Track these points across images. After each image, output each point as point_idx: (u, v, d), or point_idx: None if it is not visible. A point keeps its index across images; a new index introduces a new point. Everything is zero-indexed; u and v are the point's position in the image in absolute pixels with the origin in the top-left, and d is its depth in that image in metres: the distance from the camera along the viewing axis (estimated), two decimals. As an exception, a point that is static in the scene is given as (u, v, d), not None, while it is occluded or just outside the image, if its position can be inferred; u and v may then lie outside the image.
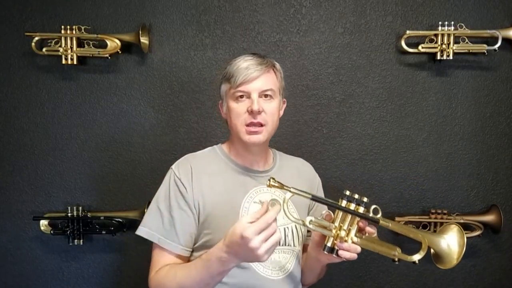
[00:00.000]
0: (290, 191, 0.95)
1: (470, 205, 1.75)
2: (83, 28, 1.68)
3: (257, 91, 1.07)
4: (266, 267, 1.07)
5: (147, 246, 1.74)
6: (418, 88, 1.73)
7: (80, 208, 1.71)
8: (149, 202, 1.66)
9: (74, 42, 1.66)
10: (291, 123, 1.73)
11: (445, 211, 1.69)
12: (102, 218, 1.70)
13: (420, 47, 1.67)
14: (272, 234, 0.87)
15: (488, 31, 1.66)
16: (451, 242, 1.04)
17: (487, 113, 1.73)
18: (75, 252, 1.77)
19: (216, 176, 1.11)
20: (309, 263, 1.16)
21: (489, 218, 1.69)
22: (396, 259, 1.00)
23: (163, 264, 1.07)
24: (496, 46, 1.64)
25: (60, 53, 1.66)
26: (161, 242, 1.07)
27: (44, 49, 1.67)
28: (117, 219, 1.70)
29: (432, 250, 1.04)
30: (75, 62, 1.67)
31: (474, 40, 1.68)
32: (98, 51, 1.67)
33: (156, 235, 1.07)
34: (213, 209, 1.07)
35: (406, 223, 1.70)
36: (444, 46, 1.65)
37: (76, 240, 1.71)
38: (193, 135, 1.75)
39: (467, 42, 1.67)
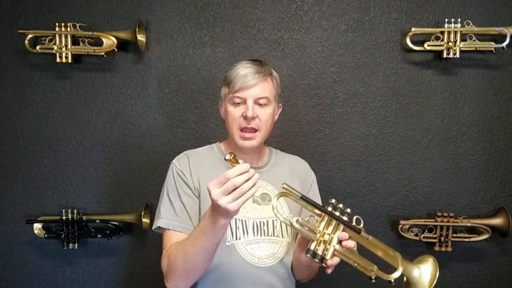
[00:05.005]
0: (283, 187, 1.00)
1: (477, 208, 1.72)
2: (78, 25, 1.64)
3: (253, 98, 1.14)
4: (254, 254, 1.15)
5: (143, 250, 1.72)
6: (424, 87, 1.70)
7: (75, 211, 1.68)
8: (147, 205, 1.66)
9: (69, 39, 1.63)
10: (292, 124, 1.70)
11: (451, 214, 1.65)
12: (97, 221, 1.67)
13: (425, 45, 1.63)
14: (233, 189, 0.91)
15: (496, 28, 1.62)
16: (424, 273, 1.04)
17: (495, 113, 1.70)
18: (70, 256, 1.73)
19: (210, 171, 1.18)
20: (294, 259, 1.22)
21: (497, 221, 1.65)
22: (373, 276, 1.02)
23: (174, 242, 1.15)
24: (504, 44, 1.61)
25: (54, 51, 1.63)
26: (175, 227, 1.15)
27: (38, 47, 1.64)
28: (113, 223, 1.66)
29: (404, 278, 1.05)
30: (69, 61, 1.64)
31: (482, 37, 1.64)
32: (94, 49, 1.64)
33: (171, 223, 1.15)
34: (207, 200, 1.14)
35: (412, 226, 1.67)
36: (450, 43, 1.62)
37: (70, 244, 1.68)
38: (192, 135, 1.71)
39: (474, 40, 1.63)
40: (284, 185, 1.01)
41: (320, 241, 1.00)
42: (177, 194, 1.17)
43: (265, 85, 1.16)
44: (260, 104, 1.15)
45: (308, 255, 1.00)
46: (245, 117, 1.13)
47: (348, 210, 1.03)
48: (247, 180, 0.91)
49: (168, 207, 1.17)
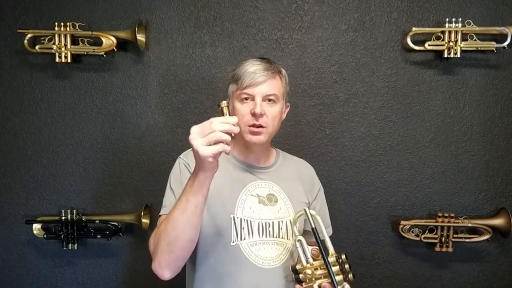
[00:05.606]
0: (305, 210, 1.08)
1: (478, 208, 1.71)
2: (77, 25, 1.64)
3: (261, 95, 1.14)
4: (258, 255, 1.14)
5: (143, 251, 1.71)
6: (425, 87, 1.69)
7: (74, 211, 1.67)
8: (146, 205, 1.65)
9: (68, 39, 1.62)
10: (293, 124, 1.69)
11: (452, 215, 1.64)
12: (97, 221, 1.66)
13: (426, 45, 1.63)
14: (209, 133, 0.90)
15: (497, 28, 1.62)
16: None
17: (496, 112, 1.69)
18: (69, 257, 1.73)
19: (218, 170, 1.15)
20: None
21: (498, 221, 1.65)
22: None
23: None
24: (506, 44, 1.60)
25: (53, 51, 1.62)
26: None
27: (37, 47, 1.63)
28: (112, 223, 1.66)
29: None
30: (69, 60, 1.63)
31: (483, 37, 1.64)
32: (93, 49, 1.63)
33: (169, 208, 1.10)
34: (211, 199, 1.11)
35: (412, 226, 1.67)
36: (451, 43, 1.61)
37: (70, 245, 1.67)
38: (192, 135, 1.70)
39: (475, 40, 1.63)
40: (306, 210, 1.07)
41: (305, 271, 1.04)
42: (180, 184, 1.14)
43: (273, 82, 1.16)
44: (268, 100, 1.15)
45: (291, 269, 1.07)
46: (253, 114, 1.13)
47: (350, 276, 1.02)
48: (227, 132, 0.90)
49: (169, 196, 1.16)
